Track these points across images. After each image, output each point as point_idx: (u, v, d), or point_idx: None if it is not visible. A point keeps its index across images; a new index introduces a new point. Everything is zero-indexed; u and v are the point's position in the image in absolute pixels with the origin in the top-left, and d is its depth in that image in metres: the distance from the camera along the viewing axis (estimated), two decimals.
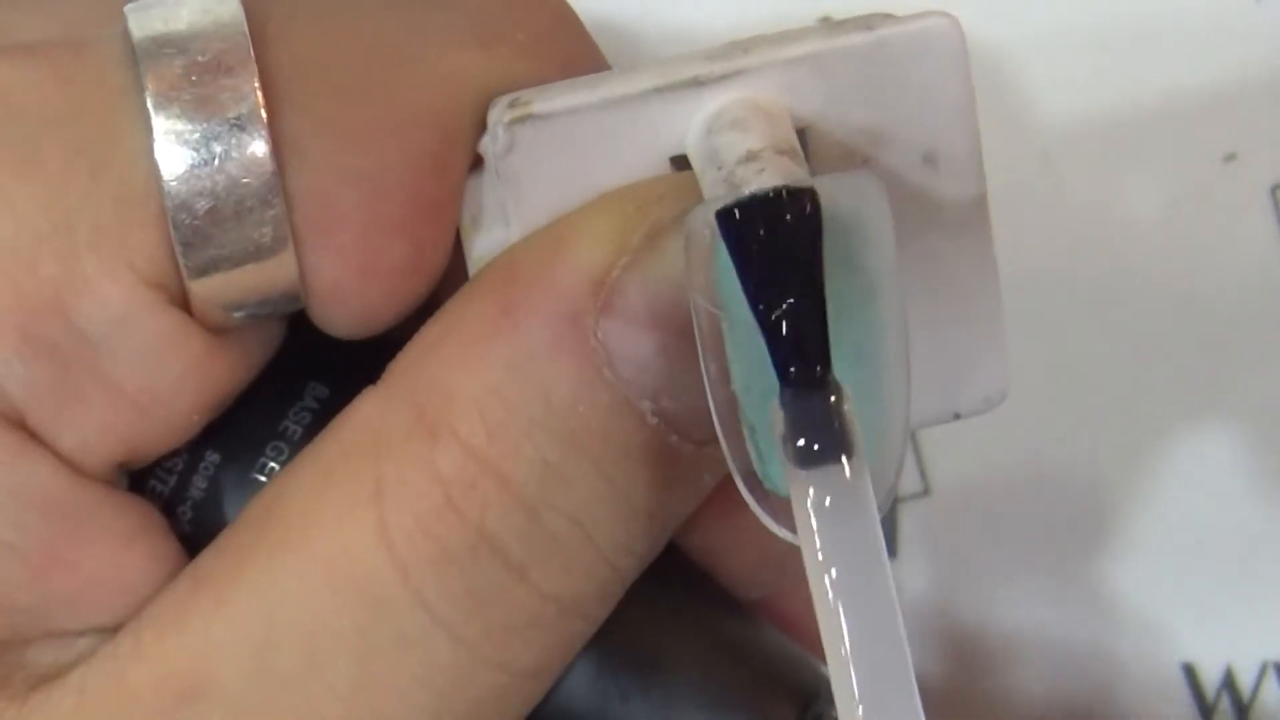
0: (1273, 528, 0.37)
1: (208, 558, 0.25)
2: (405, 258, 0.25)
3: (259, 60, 0.24)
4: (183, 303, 0.25)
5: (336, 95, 0.25)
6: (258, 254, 0.24)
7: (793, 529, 0.22)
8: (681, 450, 0.25)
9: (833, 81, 0.24)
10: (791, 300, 0.22)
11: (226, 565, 0.25)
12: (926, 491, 0.37)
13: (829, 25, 0.25)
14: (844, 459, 0.22)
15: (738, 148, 0.24)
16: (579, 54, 0.27)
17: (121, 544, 0.25)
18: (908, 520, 0.37)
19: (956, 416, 0.27)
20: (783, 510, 0.23)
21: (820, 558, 0.22)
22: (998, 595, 0.37)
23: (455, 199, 0.25)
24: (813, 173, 0.25)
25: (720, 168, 0.23)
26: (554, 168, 0.25)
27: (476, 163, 0.25)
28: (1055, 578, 0.37)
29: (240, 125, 0.24)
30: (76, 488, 0.25)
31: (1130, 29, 0.36)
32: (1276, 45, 0.36)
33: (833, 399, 0.22)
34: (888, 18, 0.25)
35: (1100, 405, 0.37)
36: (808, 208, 0.22)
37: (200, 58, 0.24)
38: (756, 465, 0.23)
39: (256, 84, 0.24)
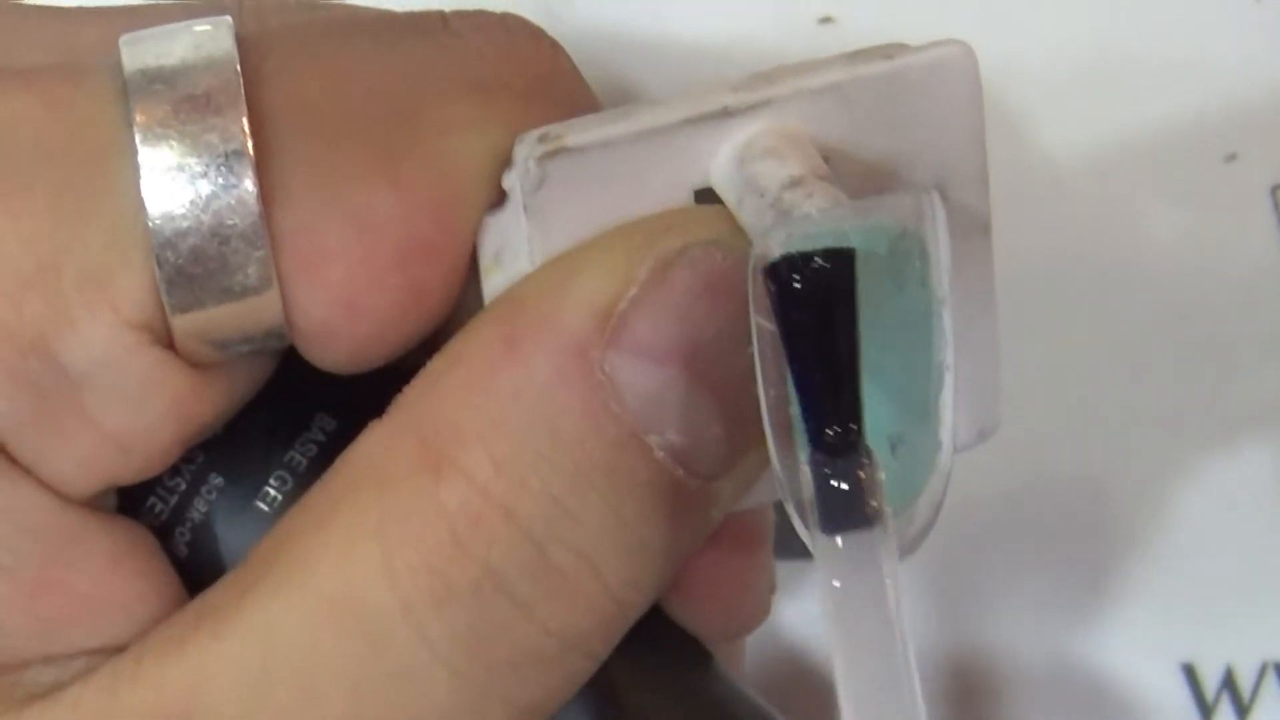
0: (1272, 529, 0.37)
1: (215, 591, 0.25)
2: (397, 297, 0.25)
3: (252, 98, 0.24)
4: (166, 340, 0.25)
5: (329, 137, 0.25)
6: (242, 293, 0.24)
7: None
8: (689, 485, 0.25)
9: (854, 111, 0.25)
10: (827, 362, 0.22)
11: (229, 598, 0.25)
12: None
13: (850, 55, 0.25)
14: (870, 527, 0.22)
15: (779, 174, 0.24)
16: (574, 96, 0.27)
17: (112, 564, 0.25)
18: None
19: None
20: None
21: (835, 635, 0.22)
22: (997, 596, 0.37)
23: (457, 241, 0.25)
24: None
25: (763, 195, 0.24)
26: (583, 201, 0.25)
27: (496, 202, 0.25)
28: (1055, 578, 0.37)
29: (227, 165, 0.24)
30: (62, 511, 0.25)
31: (1131, 29, 0.36)
32: (1276, 45, 0.36)
33: (863, 465, 0.22)
34: (904, 47, 0.25)
35: (1100, 406, 0.37)
36: (847, 268, 0.22)
37: (190, 95, 0.24)
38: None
39: (245, 123, 0.24)
